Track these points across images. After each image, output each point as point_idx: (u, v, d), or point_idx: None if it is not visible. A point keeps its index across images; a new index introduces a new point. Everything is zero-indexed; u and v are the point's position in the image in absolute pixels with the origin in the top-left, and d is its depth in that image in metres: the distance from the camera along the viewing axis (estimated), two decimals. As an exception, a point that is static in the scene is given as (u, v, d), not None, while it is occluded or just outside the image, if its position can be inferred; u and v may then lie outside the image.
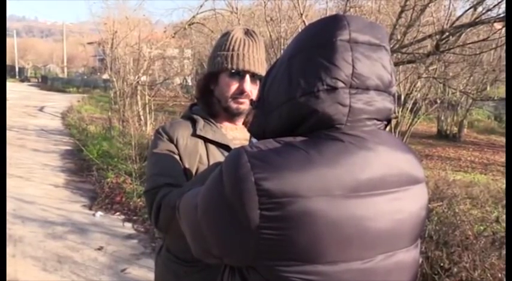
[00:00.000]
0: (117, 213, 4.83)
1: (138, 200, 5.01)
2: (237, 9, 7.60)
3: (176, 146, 1.28)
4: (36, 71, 47.37)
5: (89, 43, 17.24)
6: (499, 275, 2.17)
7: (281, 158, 0.72)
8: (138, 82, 8.96)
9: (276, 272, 0.72)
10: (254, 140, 0.97)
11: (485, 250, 2.41)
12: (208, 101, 1.35)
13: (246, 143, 1.37)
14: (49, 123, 11.96)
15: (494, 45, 5.85)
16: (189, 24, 9.74)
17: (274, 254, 0.71)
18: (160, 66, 11.29)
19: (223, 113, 1.34)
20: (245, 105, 1.30)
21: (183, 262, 1.30)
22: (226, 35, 1.33)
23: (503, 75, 10.50)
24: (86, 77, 31.14)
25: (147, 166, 1.38)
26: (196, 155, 1.28)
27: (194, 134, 1.30)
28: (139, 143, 6.47)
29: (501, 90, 12.61)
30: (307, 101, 0.75)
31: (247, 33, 1.31)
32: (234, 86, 1.29)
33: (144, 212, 4.72)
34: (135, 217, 4.67)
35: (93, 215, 4.74)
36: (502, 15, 4.37)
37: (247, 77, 1.28)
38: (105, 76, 17.42)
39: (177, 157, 1.27)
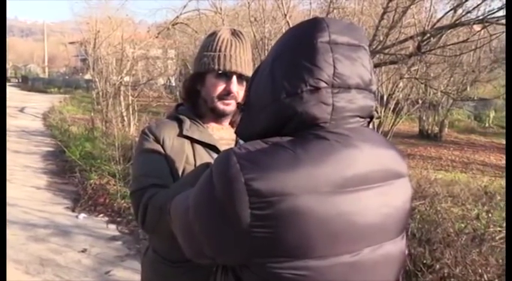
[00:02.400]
0: (101, 215, 4.78)
1: (122, 201, 4.97)
2: (221, 9, 7.59)
3: (162, 146, 1.28)
4: (16, 71, 46.40)
5: (71, 43, 17.00)
6: (479, 270, 2.23)
7: (269, 158, 0.74)
8: (121, 82, 8.87)
9: (268, 269, 0.74)
10: (241, 141, 0.98)
11: (466, 246, 2.47)
12: (194, 101, 1.35)
13: (233, 143, 1.38)
14: (30, 125, 11.75)
15: (473, 47, 6.00)
16: (173, 25, 9.69)
17: (266, 251, 0.74)
18: (144, 66, 11.20)
19: (209, 113, 1.34)
20: (232, 106, 1.31)
21: (169, 263, 1.30)
22: (212, 35, 1.33)
23: (483, 76, 10.75)
24: (67, 77, 30.66)
25: (133, 166, 1.37)
26: (183, 155, 1.28)
27: (180, 135, 1.30)
28: (122, 144, 6.41)
29: (480, 91, 12.89)
30: (292, 102, 0.77)
31: (234, 33, 1.32)
32: (221, 87, 1.29)
33: (128, 213, 4.68)
34: (119, 219, 4.63)
35: (76, 217, 4.68)
36: (481, 18, 4.49)
37: (234, 78, 1.29)
38: (87, 76, 17.19)
39: (164, 158, 1.27)
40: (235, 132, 0.95)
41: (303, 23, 0.83)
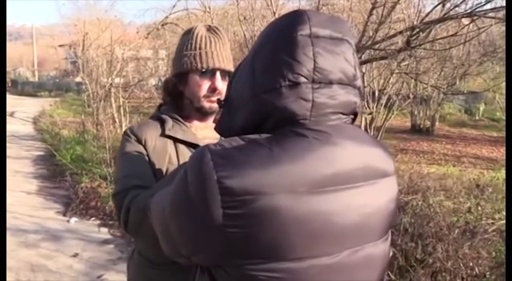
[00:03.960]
0: (93, 218, 4.74)
1: (114, 204, 4.92)
2: (209, 8, 7.55)
3: (145, 147, 1.26)
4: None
5: (60, 46, 16.85)
6: (471, 264, 2.23)
7: (244, 155, 0.72)
8: (111, 84, 8.80)
9: (242, 271, 0.72)
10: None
11: (457, 240, 2.46)
12: (178, 102, 1.33)
13: (216, 141, 1.36)
14: (20, 129, 11.61)
15: (462, 41, 6.02)
16: (162, 25, 9.63)
17: (239, 252, 0.71)
18: (134, 67, 11.14)
19: (194, 112, 1.32)
20: None
21: (155, 266, 1.27)
22: (189, 33, 1.30)
23: (472, 69, 10.81)
24: (57, 80, 30.36)
25: (116, 168, 1.35)
26: (166, 155, 1.26)
27: (163, 134, 1.28)
28: (113, 146, 6.34)
29: (470, 84, 12.95)
30: (270, 98, 0.75)
31: (210, 29, 1.30)
32: (206, 85, 1.27)
33: (120, 216, 4.64)
34: (111, 222, 4.58)
35: (68, 221, 4.63)
36: (469, 11, 4.51)
37: (218, 74, 1.27)
38: (78, 79, 17.06)
39: (146, 158, 1.25)
40: (215, 129, 0.93)
41: (284, 16, 0.80)
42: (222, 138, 1.08)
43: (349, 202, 0.74)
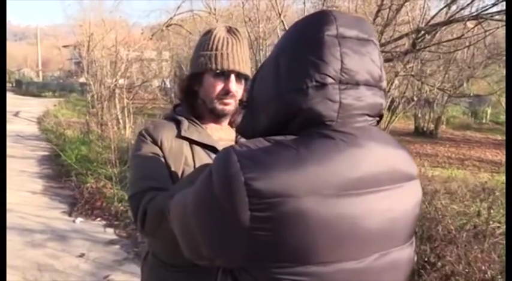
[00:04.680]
0: (98, 218, 4.73)
1: (119, 204, 4.92)
2: (215, 10, 7.56)
3: (161, 148, 1.24)
4: (10, 76, 46.09)
5: (65, 46, 16.90)
6: (483, 267, 2.22)
7: (271, 157, 0.70)
8: (116, 85, 8.82)
9: (267, 274, 0.71)
10: (243, 140, 0.95)
11: (468, 243, 2.45)
12: (192, 102, 1.32)
13: (232, 143, 1.35)
14: (25, 129, 11.64)
15: (467, 43, 6.02)
16: (167, 26, 9.65)
17: (265, 255, 0.70)
18: (138, 68, 11.16)
19: (208, 114, 1.31)
20: (231, 105, 1.28)
21: (170, 267, 1.27)
22: (208, 34, 1.29)
23: (478, 72, 10.80)
24: (62, 80, 30.47)
25: (130, 170, 1.34)
26: (182, 157, 1.25)
27: (179, 136, 1.26)
28: (118, 146, 6.36)
29: (475, 87, 12.92)
30: (296, 98, 0.73)
31: (230, 31, 1.28)
32: (220, 87, 1.26)
33: (125, 216, 4.64)
34: (116, 222, 4.58)
35: (73, 221, 4.63)
36: (474, 14, 4.51)
37: (233, 76, 1.25)
38: (82, 79, 17.08)
39: (162, 160, 1.23)
40: (237, 130, 0.92)
41: (309, 16, 0.79)
42: (241, 139, 1.08)
43: (374, 206, 0.73)
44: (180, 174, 1.24)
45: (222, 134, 1.34)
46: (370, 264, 0.73)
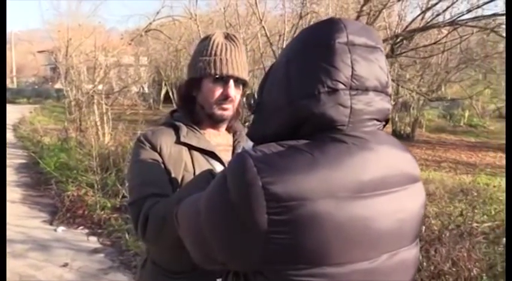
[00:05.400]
0: (81, 227, 4.64)
1: (102, 212, 4.85)
2: (195, 15, 7.54)
3: (160, 154, 1.24)
4: (-19, 82, 44.65)
5: (40, 52, 16.54)
6: (469, 266, 2.29)
7: (286, 161, 0.72)
8: (94, 91, 8.69)
9: (284, 276, 0.72)
10: (249, 144, 0.97)
11: (452, 243, 2.52)
12: (191, 108, 1.32)
13: (230, 148, 1.37)
14: None
15: (442, 49, 6.20)
16: (146, 31, 9.57)
17: (282, 258, 0.71)
18: (117, 74, 11.02)
19: (206, 119, 1.31)
20: (229, 111, 1.29)
21: (170, 274, 1.26)
22: (206, 39, 1.31)
23: (452, 76, 11.13)
24: (37, 87, 29.74)
25: (129, 176, 1.32)
26: (181, 162, 1.25)
27: (178, 142, 1.26)
28: (99, 153, 6.26)
29: (448, 91, 13.30)
30: (308, 104, 0.76)
31: (228, 37, 1.30)
32: (218, 92, 1.27)
33: (109, 224, 4.57)
34: (100, 230, 4.51)
35: (55, 230, 4.53)
36: (450, 20, 4.67)
37: (231, 82, 1.27)
38: (58, 85, 16.76)
39: (162, 166, 1.23)
40: (247, 134, 0.93)
41: (319, 24, 0.82)
42: (246, 144, 1.09)
43: (385, 207, 0.76)
44: (180, 180, 1.24)
45: (220, 140, 1.35)
46: (381, 264, 0.76)
